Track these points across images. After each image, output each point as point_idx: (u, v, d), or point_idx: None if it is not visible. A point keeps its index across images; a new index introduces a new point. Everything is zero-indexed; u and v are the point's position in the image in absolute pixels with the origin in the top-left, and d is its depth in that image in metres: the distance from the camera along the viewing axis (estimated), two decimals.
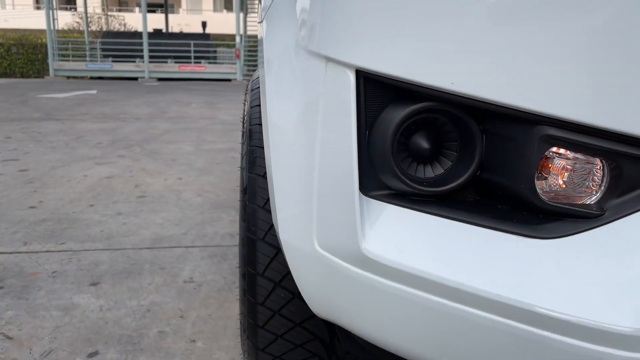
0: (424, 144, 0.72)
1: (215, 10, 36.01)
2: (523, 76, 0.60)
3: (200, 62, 18.40)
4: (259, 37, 1.56)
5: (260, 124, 1.14)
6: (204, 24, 21.53)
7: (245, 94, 1.50)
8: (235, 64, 18.18)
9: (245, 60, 18.78)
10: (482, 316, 0.65)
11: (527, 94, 0.60)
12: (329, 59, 0.73)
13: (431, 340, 0.70)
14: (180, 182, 3.48)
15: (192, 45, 18.36)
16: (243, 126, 1.33)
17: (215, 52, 19.41)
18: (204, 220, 2.69)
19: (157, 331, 1.60)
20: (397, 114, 0.70)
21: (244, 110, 1.40)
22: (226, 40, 21.54)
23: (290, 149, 0.84)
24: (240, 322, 1.26)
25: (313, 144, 0.77)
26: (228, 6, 34.06)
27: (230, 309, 1.74)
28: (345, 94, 0.72)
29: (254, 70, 19.30)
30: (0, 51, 19.64)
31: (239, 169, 1.28)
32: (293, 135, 0.83)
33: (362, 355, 1.03)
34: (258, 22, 1.64)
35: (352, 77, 0.71)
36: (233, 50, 18.95)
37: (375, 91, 0.72)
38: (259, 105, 1.21)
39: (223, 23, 28.85)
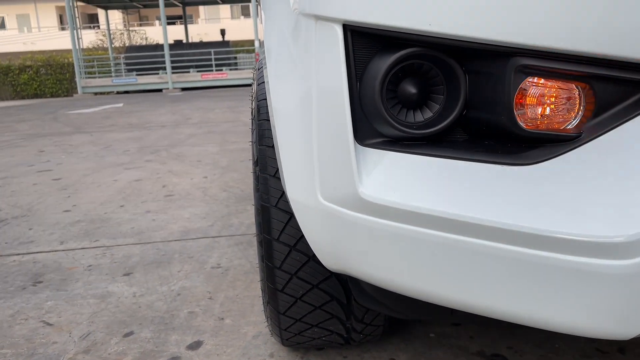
0: (412, 89, 0.77)
1: (232, 17, 36.42)
2: (491, 10, 0.64)
3: (221, 69, 18.66)
4: (259, 19, 1.62)
5: (267, 99, 1.20)
6: (222, 32, 21.82)
7: (253, 74, 1.56)
8: None
9: None
10: (480, 244, 0.68)
11: (498, 26, 0.64)
12: (317, 17, 0.78)
13: (429, 273, 0.74)
14: (206, 180, 3.58)
15: (212, 53, 18.62)
16: (251, 104, 1.39)
17: (235, 58, 19.64)
18: (230, 213, 2.77)
19: (187, 312, 1.67)
20: (384, 63, 0.74)
21: (252, 89, 1.46)
22: (245, 46, 21.81)
23: (290, 110, 0.89)
24: (262, 289, 1.32)
25: (310, 101, 0.82)
26: (245, 12, 34.43)
27: (256, 289, 1.81)
28: (334, 49, 0.76)
29: None
30: (30, 73, 20.31)
31: (250, 143, 1.34)
32: (292, 97, 0.88)
33: (377, 309, 1.07)
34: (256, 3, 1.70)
35: (339, 32, 0.75)
36: (252, 55, 19.15)
37: (362, 43, 0.77)
38: (265, 82, 1.26)
39: (241, 29, 29.22)
